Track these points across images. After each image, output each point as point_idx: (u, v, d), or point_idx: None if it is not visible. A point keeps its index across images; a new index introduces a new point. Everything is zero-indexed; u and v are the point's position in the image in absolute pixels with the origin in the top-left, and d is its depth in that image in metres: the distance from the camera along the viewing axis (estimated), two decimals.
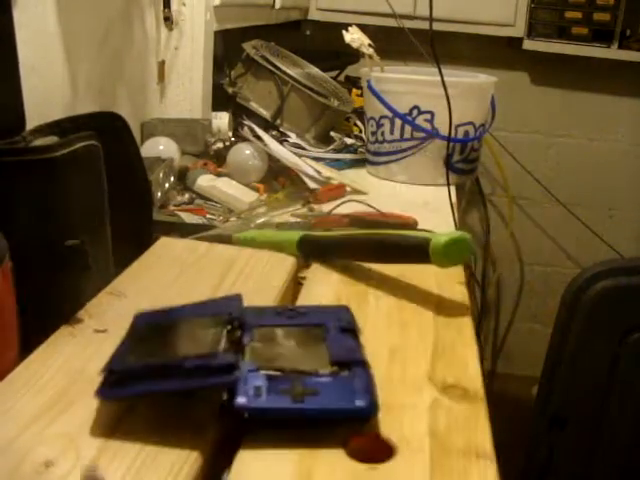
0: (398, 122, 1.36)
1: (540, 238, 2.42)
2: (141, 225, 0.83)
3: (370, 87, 1.39)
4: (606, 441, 1.30)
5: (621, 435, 1.30)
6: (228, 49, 1.58)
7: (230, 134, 1.35)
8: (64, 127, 0.71)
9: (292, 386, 0.47)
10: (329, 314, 0.58)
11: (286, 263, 0.76)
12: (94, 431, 0.46)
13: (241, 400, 0.45)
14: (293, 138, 1.41)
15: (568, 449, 1.35)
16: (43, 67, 0.91)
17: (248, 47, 1.45)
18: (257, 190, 1.21)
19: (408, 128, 1.36)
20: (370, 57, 1.43)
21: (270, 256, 0.77)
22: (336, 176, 1.30)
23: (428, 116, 1.35)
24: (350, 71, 1.88)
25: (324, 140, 1.49)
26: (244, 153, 1.25)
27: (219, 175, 1.20)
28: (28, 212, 0.63)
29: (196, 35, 1.33)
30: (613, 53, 2.05)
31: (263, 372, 0.48)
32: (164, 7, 1.29)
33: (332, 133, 1.50)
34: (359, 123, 1.62)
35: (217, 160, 1.27)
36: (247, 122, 1.34)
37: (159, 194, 1.07)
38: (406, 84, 1.39)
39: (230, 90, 1.44)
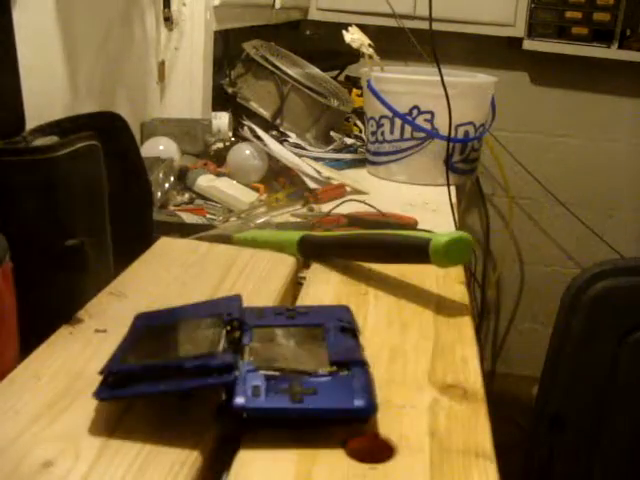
0: (398, 122, 1.36)
1: (540, 238, 2.42)
2: (141, 225, 0.83)
3: (370, 87, 1.39)
4: (606, 441, 1.30)
5: (621, 435, 1.30)
6: (228, 49, 1.58)
7: (230, 134, 1.35)
8: (64, 127, 0.71)
9: (291, 386, 0.47)
10: (329, 314, 0.58)
11: (286, 263, 0.76)
12: (94, 431, 0.46)
13: (239, 400, 0.46)
14: (293, 138, 1.41)
15: (568, 449, 1.35)
16: (43, 67, 0.91)
17: (248, 47, 1.45)
18: (257, 190, 1.21)
19: (408, 128, 1.36)
20: (370, 57, 1.43)
21: (270, 256, 0.77)
22: (336, 176, 1.30)
23: (428, 116, 1.35)
24: (350, 71, 1.88)
25: (324, 140, 1.49)
26: (244, 153, 1.25)
27: (219, 175, 1.20)
28: (28, 212, 0.63)
29: (196, 35, 1.33)
30: (613, 53, 2.05)
31: (262, 372, 0.48)
32: (164, 7, 1.29)
33: (332, 133, 1.50)
34: (359, 123, 1.62)
35: (217, 160, 1.27)
36: (247, 122, 1.34)
37: (159, 194, 1.07)
38: (406, 84, 1.39)
39: (230, 90, 1.44)
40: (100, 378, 0.49)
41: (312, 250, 0.79)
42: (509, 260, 2.45)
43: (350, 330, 0.55)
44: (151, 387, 0.47)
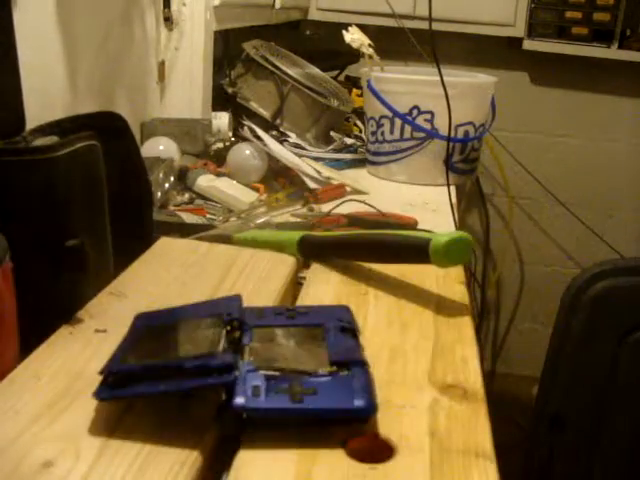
0: (398, 122, 1.36)
1: (540, 238, 2.42)
2: (141, 225, 0.83)
3: (370, 87, 1.39)
4: (606, 441, 1.30)
5: (621, 435, 1.30)
6: (228, 49, 1.58)
7: (230, 134, 1.35)
8: (64, 127, 0.71)
9: (291, 386, 0.47)
10: (329, 314, 0.58)
11: (286, 263, 0.76)
12: (94, 431, 0.46)
13: (239, 400, 0.46)
14: (293, 138, 1.41)
15: (568, 449, 1.35)
16: (43, 67, 0.91)
17: (248, 47, 1.45)
18: (257, 190, 1.21)
19: (408, 128, 1.36)
20: (370, 57, 1.43)
21: (270, 256, 0.77)
22: (336, 176, 1.30)
23: (428, 116, 1.35)
24: (350, 71, 1.88)
25: (324, 140, 1.49)
26: (244, 153, 1.25)
27: (219, 175, 1.20)
28: (28, 212, 0.63)
29: (196, 35, 1.33)
30: (613, 53, 2.05)
31: (262, 372, 0.48)
32: (164, 7, 1.29)
33: (332, 133, 1.50)
34: (359, 123, 1.62)
35: (217, 160, 1.27)
36: (247, 122, 1.34)
37: (159, 194, 1.07)
38: (406, 84, 1.39)
39: (230, 90, 1.44)
40: (100, 378, 0.49)
41: (312, 250, 0.79)
42: (509, 260, 2.45)
43: (350, 330, 0.55)
44: (151, 387, 0.47)
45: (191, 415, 0.49)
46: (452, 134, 1.27)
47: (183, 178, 1.17)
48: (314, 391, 0.47)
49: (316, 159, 1.37)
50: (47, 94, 0.92)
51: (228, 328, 0.52)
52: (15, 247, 0.56)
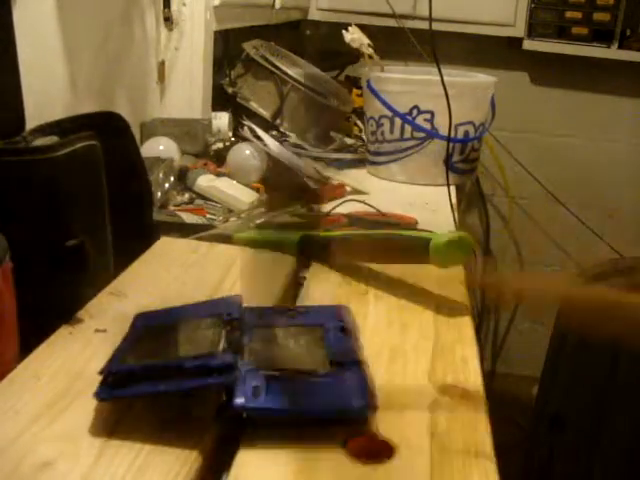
0: (398, 122, 1.36)
1: (540, 238, 2.41)
2: (141, 225, 0.83)
3: (370, 87, 1.39)
4: (606, 441, 1.30)
5: (621, 435, 1.30)
6: (228, 49, 1.58)
7: (230, 134, 1.35)
8: (64, 127, 0.72)
9: (290, 386, 0.47)
10: (328, 314, 0.58)
11: (286, 263, 0.76)
12: (94, 431, 0.46)
13: (239, 400, 0.46)
14: (293, 138, 1.41)
15: (568, 449, 1.35)
16: (43, 67, 0.91)
17: (248, 47, 1.45)
18: (257, 190, 1.21)
19: (408, 128, 1.36)
20: (370, 57, 1.43)
21: (270, 256, 0.78)
22: (336, 176, 1.30)
23: (428, 116, 1.35)
24: (350, 71, 1.88)
25: (324, 140, 1.49)
26: (244, 153, 1.25)
27: (219, 175, 1.20)
28: (28, 212, 0.63)
29: (196, 35, 1.33)
30: (613, 53, 2.05)
31: (262, 372, 0.48)
32: (164, 7, 1.29)
33: (332, 133, 1.50)
34: (359, 123, 1.62)
35: (217, 160, 1.27)
36: (247, 122, 1.34)
37: (159, 194, 1.07)
38: (406, 84, 1.39)
39: (230, 90, 1.44)
40: (100, 378, 0.49)
41: (312, 250, 0.79)
42: (509, 260, 2.44)
43: (349, 330, 0.55)
44: (151, 387, 0.47)
45: (191, 415, 0.49)
46: (452, 134, 1.27)
47: (183, 178, 1.17)
48: (313, 391, 0.47)
49: (316, 159, 1.36)
50: (47, 94, 0.92)
51: (228, 328, 0.52)
52: (15, 247, 0.56)
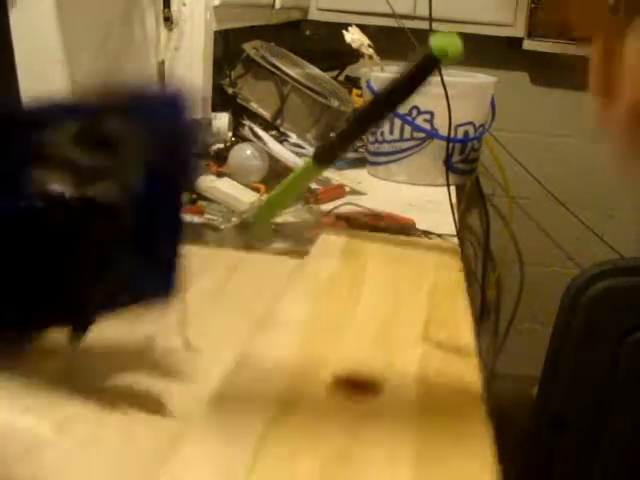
0: (398, 122, 1.36)
1: (540, 238, 2.42)
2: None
3: (370, 87, 1.39)
4: (606, 441, 1.30)
5: (621, 435, 1.30)
6: (228, 49, 1.58)
7: (230, 135, 1.35)
8: None
9: None
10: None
11: (289, 265, 0.76)
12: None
13: None
14: (293, 138, 1.41)
15: (568, 449, 1.35)
16: (42, 67, 0.91)
17: (248, 48, 1.45)
18: (258, 190, 1.21)
19: (408, 128, 1.36)
20: (370, 57, 1.43)
21: (272, 259, 0.78)
22: (336, 176, 1.30)
23: (428, 116, 1.35)
24: (350, 71, 1.88)
25: (324, 140, 1.49)
26: (245, 153, 1.25)
27: (220, 175, 1.20)
28: None
29: (196, 35, 1.33)
30: None
31: None
32: (164, 7, 1.28)
33: (332, 134, 1.50)
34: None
35: (218, 160, 1.27)
36: (247, 122, 1.34)
37: None
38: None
39: (230, 91, 1.44)
40: None
41: (330, 153, 0.80)
42: (509, 260, 2.45)
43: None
44: None
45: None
46: (452, 134, 1.27)
47: None
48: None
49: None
50: (47, 94, 0.92)
51: None
52: None
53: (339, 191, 1.24)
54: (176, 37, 1.33)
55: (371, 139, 1.43)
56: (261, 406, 0.43)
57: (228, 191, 1.16)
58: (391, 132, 1.38)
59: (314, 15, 2.10)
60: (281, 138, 1.40)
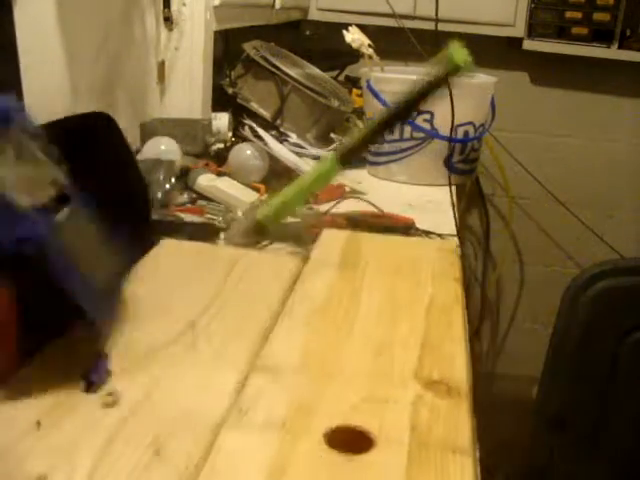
0: None
1: (540, 238, 2.42)
2: (139, 225, 0.83)
3: (370, 87, 1.39)
4: (606, 441, 1.30)
5: (621, 435, 1.30)
6: (228, 49, 1.58)
7: (230, 134, 1.35)
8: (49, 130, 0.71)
9: None
10: None
11: (290, 264, 0.76)
12: (89, 443, 0.46)
13: None
14: (294, 138, 1.41)
15: (568, 449, 1.35)
16: (43, 67, 0.91)
17: (248, 48, 1.45)
18: (258, 190, 1.21)
19: (408, 128, 1.36)
20: (370, 57, 1.43)
21: (273, 257, 0.78)
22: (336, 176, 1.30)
23: (428, 116, 1.35)
24: (350, 71, 1.88)
25: (324, 140, 1.49)
26: (245, 153, 1.25)
27: (220, 175, 1.20)
28: None
29: (196, 35, 1.33)
30: (613, 53, 2.05)
31: None
32: (164, 7, 1.29)
33: (332, 134, 1.50)
34: (359, 123, 1.62)
35: (218, 160, 1.27)
36: (248, 122, 1.34)
37: (159, 195, 1.07)
38: (406, 84, 1.39)
39: (230, 91, 1.44)
40: None
41: (353, 155, 0.84)
42: (509, 260, 2.45)
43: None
44: None
45: None
46: (452, 134, 1.27)
47: (184, 178, 1.17)
48: None
49: (316, 159, 1.36)
50: (47, 94, 0.92)
51: None
52: None
53: (339, 191, 1.24)
54: (176, 37, 1.33)
55: None
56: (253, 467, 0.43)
57: (228, 191, 1.16)
58: (391, 132, 1.38)
59: (314, 15, 2.10)
60: (281, 138, 1.40)
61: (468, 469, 0.44)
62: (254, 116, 1.41)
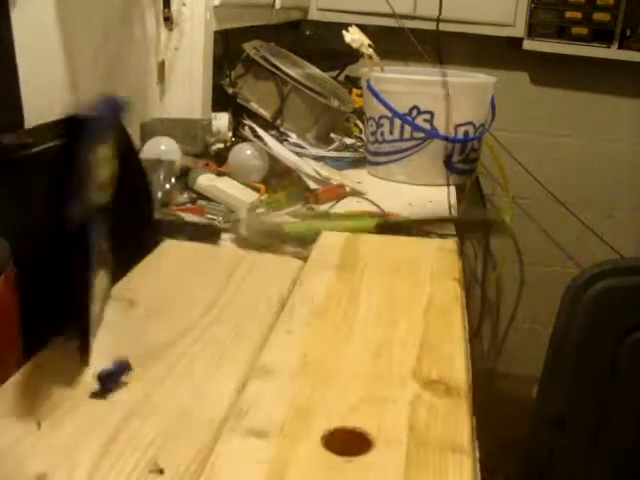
0: (397, 122, 1.36)
1: (540, 238, 2.42)
2: (140, 225, 0.83)
3: (370, 87, 1.39)
4: (606, 441, 1.30)
5: (621, 435, 1.30)
6: (228, 49, 1.58)
7: (230, 135, 1.35)
8: (55, 128, 0.71)
9: None
10: None
11: (292, 266, 0.76)
12: (90, 442, 0.46)
13: None
14: (294, 138, 1.41)
15: (568, 449, 1.35)
16: (43, 68, 0.91)
17: (248, 47, 1.45)
18: (258, 190, 1.21)
19: (408, 128, 1.36)
20: (370, 57, 1.43)
21: (274, 259, 0.78)
22: (336, 176, 1.30)
23: (427, 116, 1.34)
24: (350, 71, 1.88)
25: (324, 140, 1.49)
26: (245, 153, 1.25)
27: (220, 175, 1.20)
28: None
29: (196, 35, 1.33)
30: (613, 53, 2.05)
31: None
32: (164, 7, 1.29)
33: (332, 135, 1.50)
34: (359, 123, 1.62)
35: (218, 160, 1.27)
36: (248, 122, 1.34)
37: (160, 195, 1.07)
38: (406, 84, 1.39)
39: (230, 90, 1.44)
40: None
41: (389, 229, 0.88)
42: (509, 260, 2.45)
43: None
44: None
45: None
46: (452, 134, 1.27)
47: (184, 178, 1.17)
48: None
49: (316, 159, 1.37)
50: (47, 94, 0.92)
51: None
52: None
53: (339, 191, 1.24)
54: (176, 37, 1.33)
55: (371, 139, 1.43)
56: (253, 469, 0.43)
57: (228, 191, 1.16)
58: (391, 132, 1.38)
59: (314, 15, 2.10)
60: (281, 138, 1.40)
61: (467, 468, 0.44)
62: (254, 116, 1.41)
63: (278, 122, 1.43)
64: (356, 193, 1.26)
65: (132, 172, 0.81)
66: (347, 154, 1.48)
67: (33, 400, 0.50)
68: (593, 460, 1.32)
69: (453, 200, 1.16)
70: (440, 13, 1.53)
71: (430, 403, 0.51)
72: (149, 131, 1.28)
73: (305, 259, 0.79)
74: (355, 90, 1.74)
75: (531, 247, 2.43)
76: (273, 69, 1.41)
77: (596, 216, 2.33)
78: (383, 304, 0.68)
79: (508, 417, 1.76)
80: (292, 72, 1.43)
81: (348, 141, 1.51)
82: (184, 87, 1.36)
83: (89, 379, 0.51)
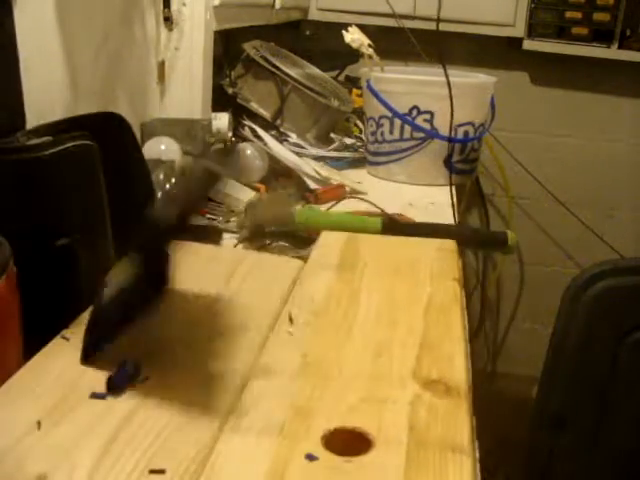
0: (398, 122, 1.36)
1: (540, 238, 2.42)
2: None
3: (370, 87, 1.39)
4: (606, 441, 1.30)
5: (621, 435, 1.30)
6: (228, 49, 1.58)
7: (230, 134, 1.35)
8: (61, 128, 0.71)
9: None
10: None
11: (292, 266, 0.76)
12: (90, 443, 0.46)
13: None
14: (293, 138, 1.41)
15: (568, 449, 1.35)
16: (43, 68, 0.91)
17: (248, 47, 1.45)
18: (258, 190, 1.21)
19: (408, 128, 1.36)
20: (370, 57, 1.43)
21: (274, 259, 0.78)
22: (336, 176, 1.30)
23: (428, 116, 1.35)
24: (350, 71, 1.88)
25: (324, 140, 1.49)
26: (245, 153, 1.25)
27: None
28: (15, 211, 0.62)
29: (196, 35, 1.33)
30: (613, 53, 2.05)
31: None
32: (164, 7, 1.28)
33: (332, 135, 1.50)
34: (359, 123, 1.62)
35: None
36: (248, 122, 1.34)
37: (159, 195, 1.07)
38: (406, 84, 1.39)
39: (230, 91, 1.44)
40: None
41: (395, 234, 0.88)
42: (509, 260, 2.45)
43: None
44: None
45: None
46: (452, 134, 1.27)
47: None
48: None
49: (316, 159, 1.37)
50: (47, 94, 0.92)
51: None
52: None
53: (339, 191, 1.24)
54: (176, 37, 1.33)
55: (371, 139, 1.43)
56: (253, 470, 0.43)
57: (228, 191, 1.16)
58: (391, 132, 1.38)
59: (314, 15, 2.10)
60: (281, 138, 1.40)
61: (467, 468, 0.44)
62: (254, 116, 1.41)
63: (278, 122, 1.43)
64: (356, 193, 1.26)
65: (139, 173, 0.81)
66: (347, 154, 1.48)
67: (33, 400, 0.50)
68: (593, 460, 1.32)
69: (454, 200, 1.16)
70: (440, 13, 1.52)
71: (430, 403, 0.51)
72: (149, 131, 1.28)
73: (305, 259, 0.79)
74: (355, 90, 1.74)
75: (531, 247, 2.43)
76: (273, 69, 1.41)
77: (596, 216, 2.33)
78: (383, 304, 0.68)
79: (508, 417, 1.76)
80: (292, 72, 1.43)
81: (348, 141, 1.52)
82: (184, 87, 1.36)
83: (89, 379, 0.51)
